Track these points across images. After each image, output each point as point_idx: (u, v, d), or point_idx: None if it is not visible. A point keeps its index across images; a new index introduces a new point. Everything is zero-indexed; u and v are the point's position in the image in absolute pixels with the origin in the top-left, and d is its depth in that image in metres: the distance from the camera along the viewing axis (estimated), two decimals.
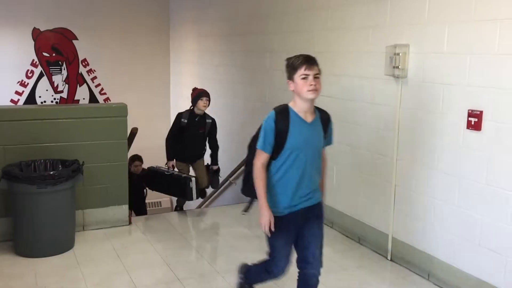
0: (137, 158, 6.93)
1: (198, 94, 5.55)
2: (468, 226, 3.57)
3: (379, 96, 4.32)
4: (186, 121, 5.53)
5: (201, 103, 5.47)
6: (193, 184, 5.31)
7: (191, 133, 5.57)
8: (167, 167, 5.67)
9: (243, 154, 6.41)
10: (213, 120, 5.69)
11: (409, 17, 3.96)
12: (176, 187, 5.45)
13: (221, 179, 7.21)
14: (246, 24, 6.69)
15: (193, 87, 5.82)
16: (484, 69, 3.39)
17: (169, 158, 5.64)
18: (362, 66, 4.50)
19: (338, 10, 4.78)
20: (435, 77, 3.77)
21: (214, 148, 5.79)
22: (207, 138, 5.72)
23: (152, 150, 8.75)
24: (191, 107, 5.62)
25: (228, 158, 7.16)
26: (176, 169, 5.62)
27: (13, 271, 3.98)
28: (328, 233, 4.87)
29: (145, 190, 6.92)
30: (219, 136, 5.83)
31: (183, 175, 5.45)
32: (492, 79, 3.33)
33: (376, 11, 4.29)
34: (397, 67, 3.99)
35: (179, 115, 5.61)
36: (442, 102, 3.71)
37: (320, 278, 3.52)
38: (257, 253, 4.44)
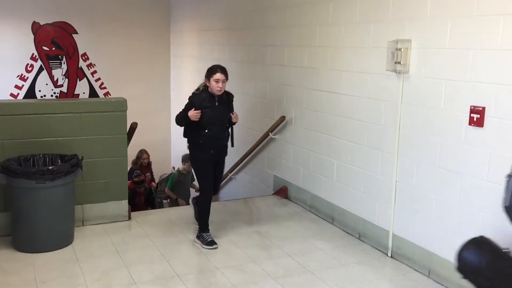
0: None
1: None
2: (469, 223, 3.55)
3: (381, 91, 4.29)
4: None
5: None
6: None
7: None
8: None
9: (243, 150, 6.48)
10: None
11: (411, 11, 3.93)
12: None
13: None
14: (247, 18, 6.65)
15: None
16: (487, 65, 3.35)
17: None
18: (363, 61, 4.46)
19: (340, 5, 4.74)
20: (437, 72, 3.74)
21: None
22: None
23: (151, 144, 8.79)
24: None
25: (228, 154, 7.13)
26: None
27: (11, 266, 3.97)
28: (328, 229, 4.90)
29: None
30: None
31: None
32: (495, 75, 3.30)
33: (378, 5, 4.25)
34: (399, 63, 3.96)
35: None
36: (444, 98, 3.68)
37: (320, 274, 3.51)
38: (257, 248, 4.44)
